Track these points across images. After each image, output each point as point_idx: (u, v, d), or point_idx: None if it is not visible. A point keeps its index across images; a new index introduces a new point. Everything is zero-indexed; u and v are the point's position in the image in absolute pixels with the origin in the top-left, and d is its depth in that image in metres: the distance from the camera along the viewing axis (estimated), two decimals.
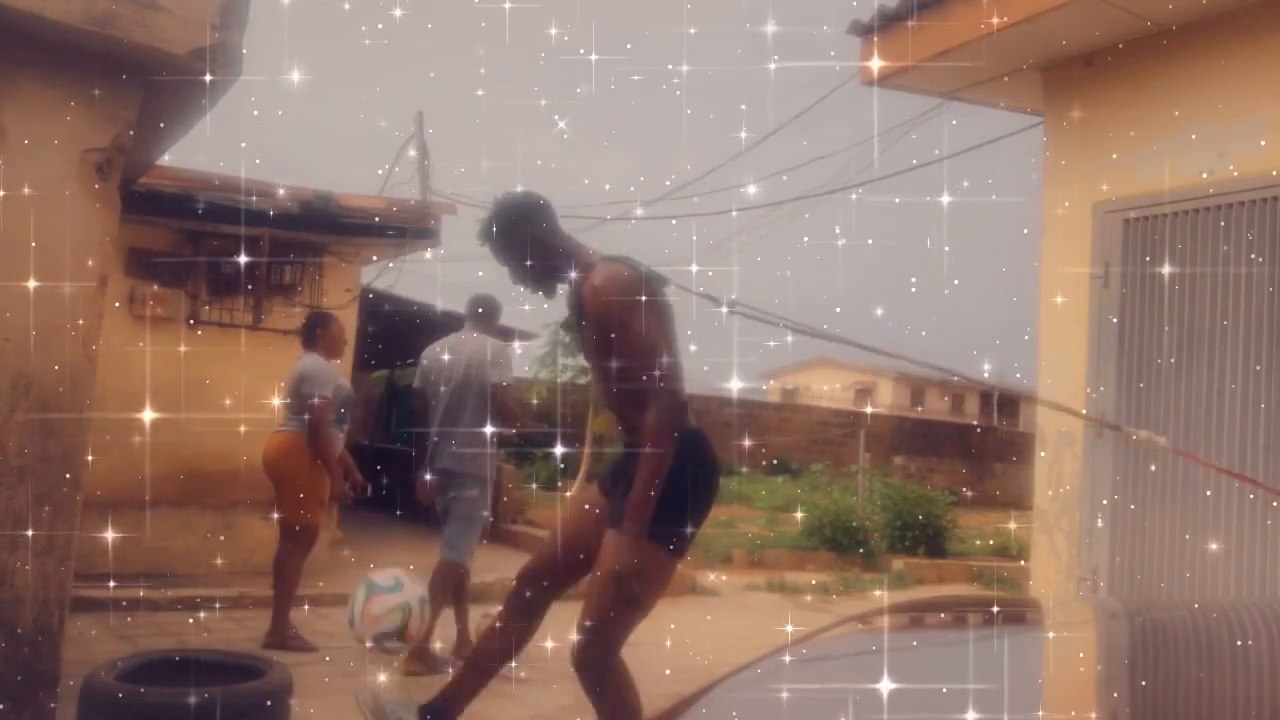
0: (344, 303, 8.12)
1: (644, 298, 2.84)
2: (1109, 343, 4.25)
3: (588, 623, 2.94)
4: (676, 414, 2.86)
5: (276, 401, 6.02)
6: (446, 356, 5.46)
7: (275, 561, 5.70)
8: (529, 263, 3.06)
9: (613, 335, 2.85)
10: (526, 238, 3.04)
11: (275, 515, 5.73)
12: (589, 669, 2.95)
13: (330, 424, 5.65)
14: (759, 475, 18.06)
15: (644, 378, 2.81)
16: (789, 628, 6.72)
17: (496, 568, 8.04)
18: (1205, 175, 3.92)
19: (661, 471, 2.82)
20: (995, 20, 4.11)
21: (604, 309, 2.86)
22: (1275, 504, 3.64)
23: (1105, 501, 4.21)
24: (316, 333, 5.85)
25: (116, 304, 6.91)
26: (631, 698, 2.96)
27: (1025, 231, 4.79)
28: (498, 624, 3.28)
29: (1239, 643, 1.42)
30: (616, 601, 2.89)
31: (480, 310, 5.65)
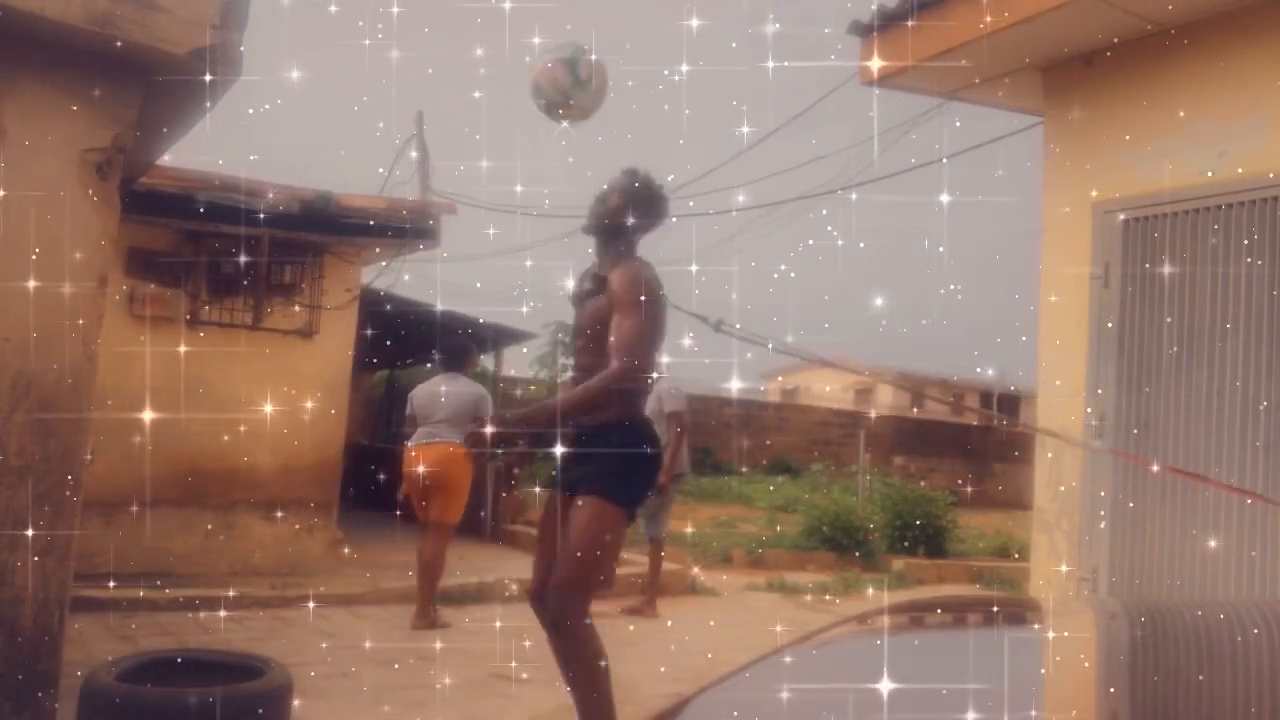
0: (344, 303, 8.12)
1: (654, 294, 3.26)
2: (1109, 343, 4.25)
3: (563, 583, 3.22)
4: (631, 375, 3.20)
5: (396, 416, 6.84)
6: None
7: (429, 555, 6.38)
8: (613, 229, 3.44)
9: (622, 305, 3.22)
10: (635, 215, 3.44)
11: (435, 516, 6.41)
12: (565, 627, 3.23)
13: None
14: (759, 475, 18.05)
15: (627, 345, 3.18)
16: (788, 628, 6.72)
17: (494, 568, 8.06)
18: (1206, 175, 3.92)
19: (597, 394, 3.19)
20: (995, 20, 4.11)
21: (625, 283, 3.24)
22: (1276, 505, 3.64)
23: (1104, 496, 4.21)
24: (466, 357, 6.82)
25: (116, 298, 6.91)
26: (601, 659, 3.24)
27: (1025, 231, 4.80)
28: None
29: (1239, 641, 1.42)
30: (587, 561, 3.21)
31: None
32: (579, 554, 3.19)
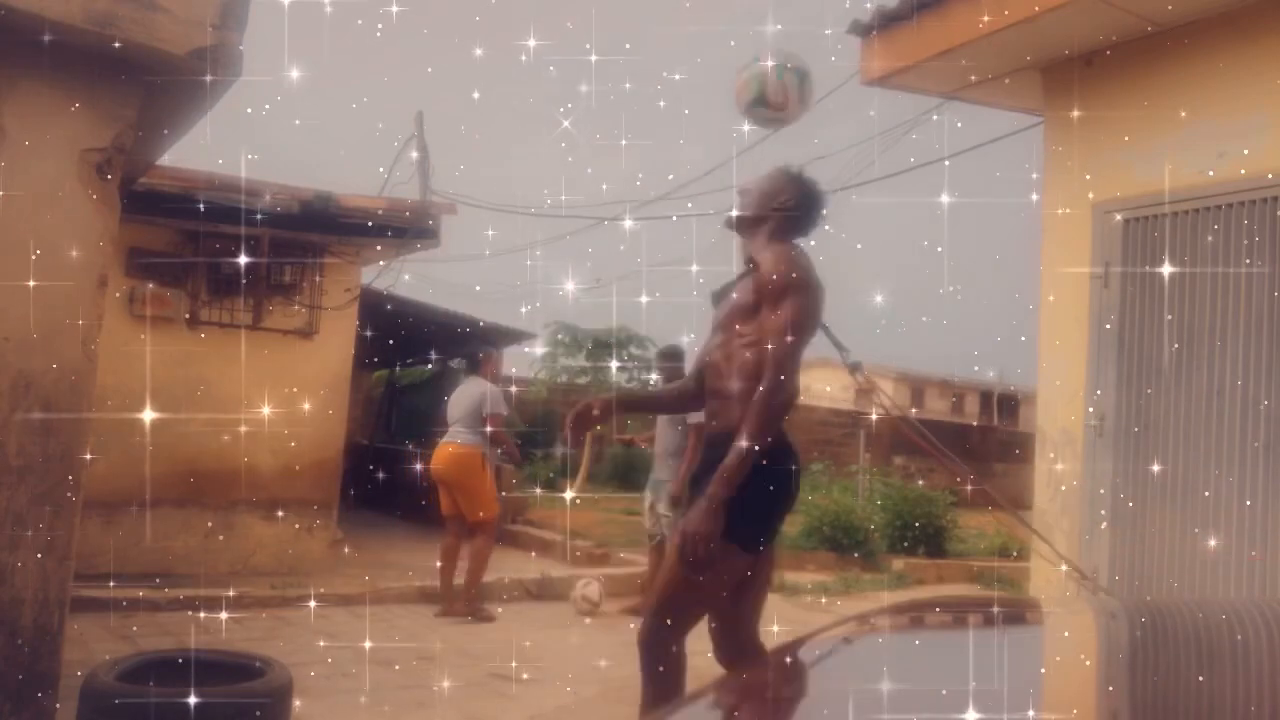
0: (344, 303, 8.12)
1: (810, 285, 2.88)
2: (1109, 343, 4.25)
3: (647, 613, 3.00)
4: (784, 398, 2.85)
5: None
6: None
7: (444, 549, 6.75)
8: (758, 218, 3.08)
9: (772, 294, 2.85)
10: (782, 201, 3.08)
11: (454, 513, 6.77)
12: (645, 648, 2.95)
13: (502, 436, 6.88)
14: None
15: (773, 363, 2.81)
16: (788, 628, 6.71)
17: (494, 568, 8.04)
18: (1206, 175, 3.92)
19: (758, 438, 2.81)
20: (995, 20, 4.11)
21: (776, 266, 2.88)
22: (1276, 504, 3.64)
23: (1104, 496, 4.21)
24: (481, 360, 7.04)
25: (117, 295, 6.91)
26: (672, 686, 2.95)
27: (1025, 231, 4.80)
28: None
29: (1239, 640, 1.42)
30: (677, 591, 2.91)
31: (661, 364, 7.20)
32: (666, 587, 2.93)
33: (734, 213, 3.14)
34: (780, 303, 2.83)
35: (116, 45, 3.14)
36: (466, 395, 6.75)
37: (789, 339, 2.81)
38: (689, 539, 2.76)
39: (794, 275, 2.85)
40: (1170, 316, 4.03)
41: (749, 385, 2.87)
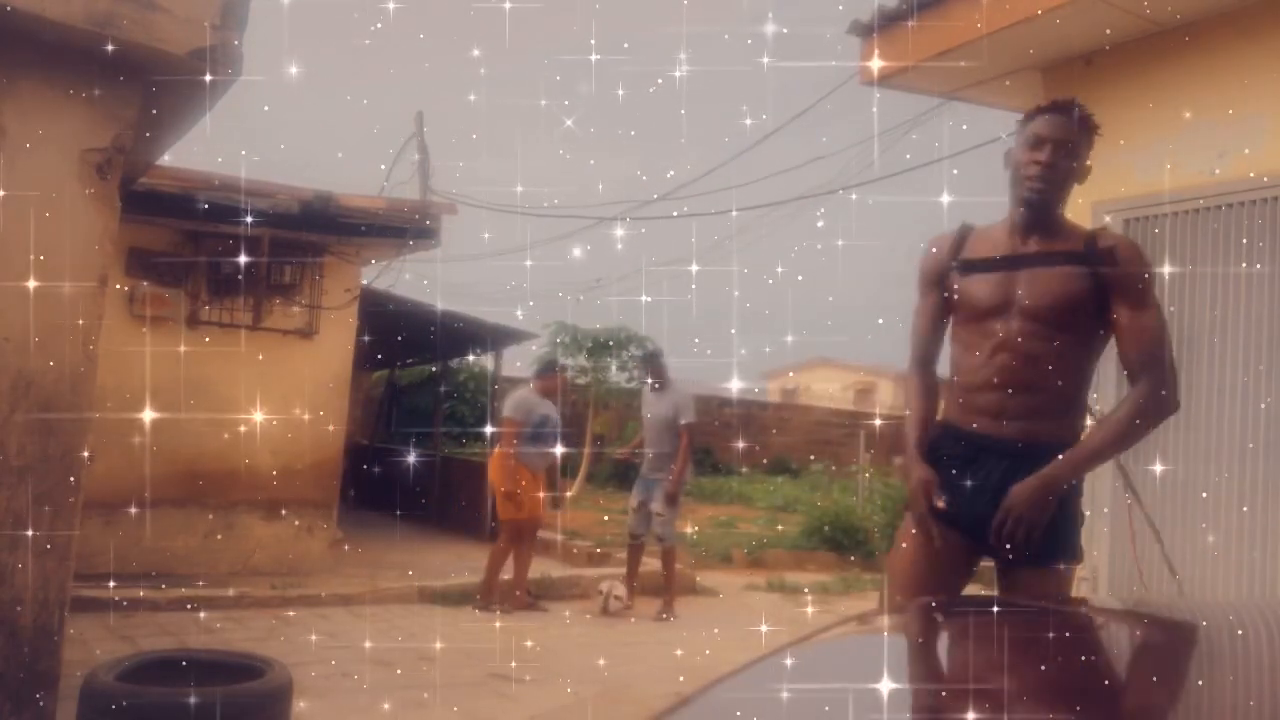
0: (344, 303, 8.12)
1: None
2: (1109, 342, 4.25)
3: None
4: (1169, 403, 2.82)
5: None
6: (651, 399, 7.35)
7: (507, 550, 7.10)
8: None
9: (1129, 287, 2.83)
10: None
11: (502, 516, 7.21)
12: None
13: (509, 440, 7.04)
14: (759, 475, 18.05)
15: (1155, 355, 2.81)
16: (788, 628, 6.72)
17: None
18: (1206, 175, 3.92)
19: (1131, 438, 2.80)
20: (995, 20, 4.11)
21: (1133, 254, 2.80)
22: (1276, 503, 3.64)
23: (1104, 495, 4.21)
24: (540, 374, 7.43)
25: (118, 287, 6.91)
26: None
27: None
28: None
29: (1239, 639, 1.42)
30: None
31: (653, 367, 7.41)
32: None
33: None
34: (1150, 303, 2.85)
35: (116, 45, 3.14)
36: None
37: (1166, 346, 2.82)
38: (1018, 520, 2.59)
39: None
40: (1172, 309, 4.03)
41: None
